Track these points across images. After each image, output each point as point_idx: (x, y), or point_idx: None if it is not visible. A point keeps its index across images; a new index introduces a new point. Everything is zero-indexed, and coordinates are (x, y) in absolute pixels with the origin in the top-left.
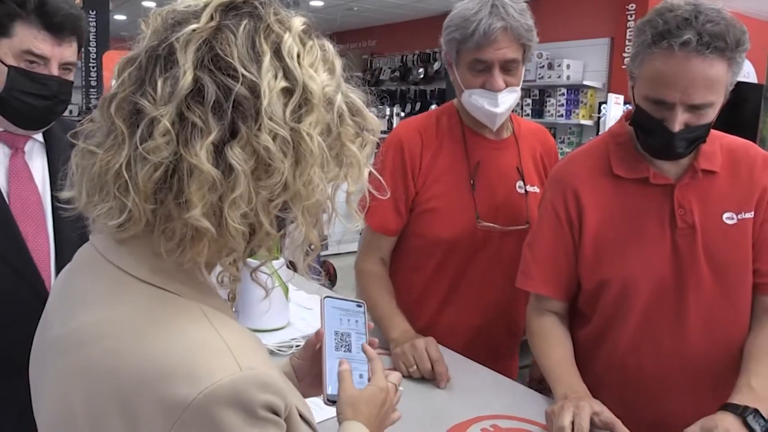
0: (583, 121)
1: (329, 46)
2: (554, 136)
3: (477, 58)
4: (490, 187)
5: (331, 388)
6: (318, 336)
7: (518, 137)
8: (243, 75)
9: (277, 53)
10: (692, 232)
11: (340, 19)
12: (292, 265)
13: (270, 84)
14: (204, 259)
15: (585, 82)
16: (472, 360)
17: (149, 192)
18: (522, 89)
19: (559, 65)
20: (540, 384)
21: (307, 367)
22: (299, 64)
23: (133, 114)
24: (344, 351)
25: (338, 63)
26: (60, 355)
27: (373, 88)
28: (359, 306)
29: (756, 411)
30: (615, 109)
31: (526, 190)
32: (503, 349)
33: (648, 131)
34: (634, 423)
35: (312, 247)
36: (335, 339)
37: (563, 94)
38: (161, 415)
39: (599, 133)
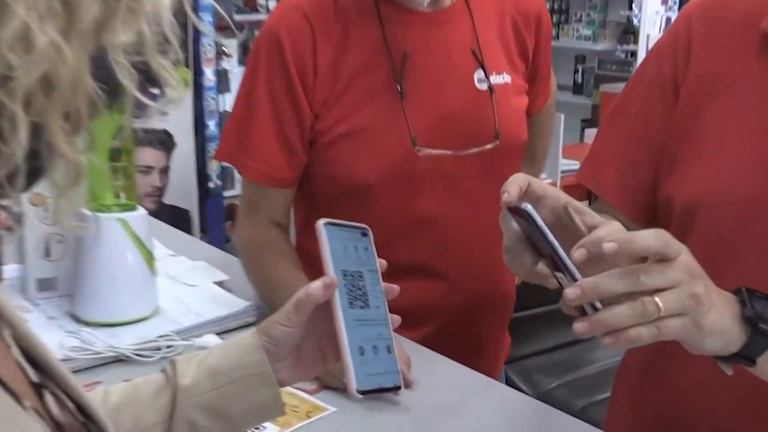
0: None
1: None
2: None
3: None
4: (430, 89)
5: (358, 380)
6: (320, 290)
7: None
8: None
9: None
10: None
11: None
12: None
13: None
14: None
15: None
16: (442, 354)
17: None
18: None
19: None
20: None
21: (298, 338)
22: None
23: None
24: (361, 306)
25: None
26: None
27: None
28: (364, 233)
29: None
30: None
31: (490, 85)
32: (484, 337)
33: None
34: None
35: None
36: (347, 287)
37: None
38: None
39: None
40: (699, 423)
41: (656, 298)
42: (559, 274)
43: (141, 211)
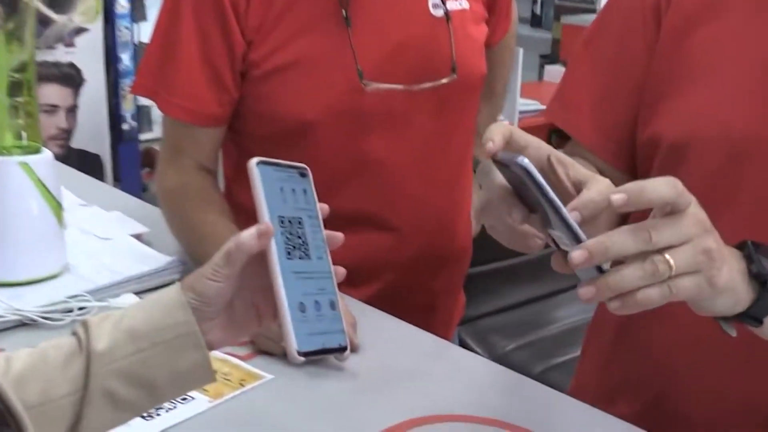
0: None
1: None
2: None
3: None
4: (380, 15)
5: (298, 341)
6: (253, 238)
7: None
8: None
9: None
10: None
11: None
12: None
13: None
14: None
15: None
16: (392, 315)
17: None
18: None
19: None
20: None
21: (229, 294)
22: None
23: None
24: (300, 257)
25: None
26: None
27: None
28: (303, 173)
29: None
30: None
31: (446, 11)
32: (437, 295)
33: None
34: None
35: None
36: (284, 235)
37: None
38: None
39: None
40: (675, 381)
41: (667, 256)
42: (556, 233)
43: (46, 154)
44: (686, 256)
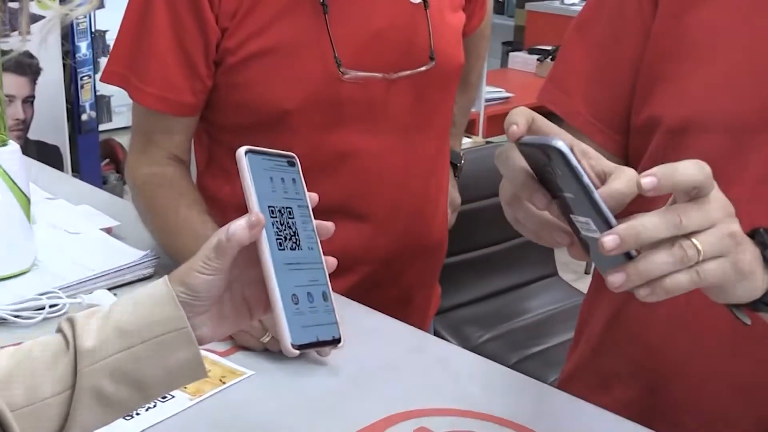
0: None
1: None
2: None
3: None
4: (358, 1)
5: (292, 334)
6: (245, 230)
7: None
8: None
9: None
10: None
11: None
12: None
13: None
14: None
15: None
16: (370, 307)
17: None
18: None
19: None
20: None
21: (220, 287)
22: None
23: None
24: (291, 248)
25: None
26: None
27: None
28: (291, 162)
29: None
30: None
31: None
32: (414, 287)
33: None
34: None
35: None
36: (275, 225)
37: None
38: None
39: None
40: (669, 366)
41: (694, 240)
42: (582, 219)
43: (13, 147)
44: (713, 240)
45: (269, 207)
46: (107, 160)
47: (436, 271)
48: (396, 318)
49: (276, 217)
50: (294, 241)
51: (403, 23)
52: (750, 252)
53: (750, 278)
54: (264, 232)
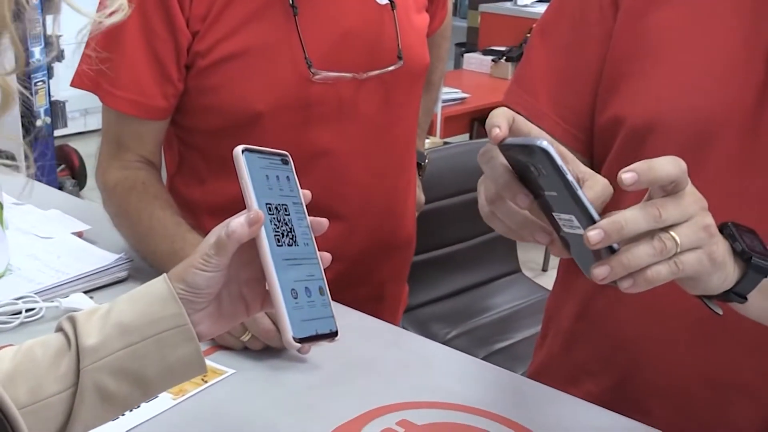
0: None
1: None
2: None
3: None
4: (327, 3)
5: (293, 327)
6: (245, 227)
7: None
8: None
9: None
10: None
11: None
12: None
13: None
14: None
15: None
16: (342, 304)
17: None
18: None
19: None
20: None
21: (220, 284)
22: None
23: None
24: (289, 244)
25: None
26: None
27: None
28: (285, 160)
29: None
30: None
31: None
32: (385, 284)
33: None
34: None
35: None
36: (272, 222)
37: None
38: None
39: None
40: (640, 357)
41: (672, 233)
42: (564, 216)
43: None
44: (689, 233)
45: (267, 204)
46: (63, 166)
47: (407, 268)
48: (369, 315)
49: (273, 214)
50: (291, 237)
51: (371, 24)
52: (722, 244)
53: (723, 269)
54: (262, 228)
